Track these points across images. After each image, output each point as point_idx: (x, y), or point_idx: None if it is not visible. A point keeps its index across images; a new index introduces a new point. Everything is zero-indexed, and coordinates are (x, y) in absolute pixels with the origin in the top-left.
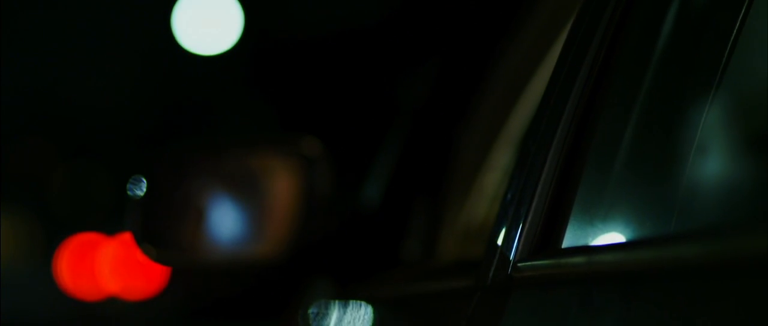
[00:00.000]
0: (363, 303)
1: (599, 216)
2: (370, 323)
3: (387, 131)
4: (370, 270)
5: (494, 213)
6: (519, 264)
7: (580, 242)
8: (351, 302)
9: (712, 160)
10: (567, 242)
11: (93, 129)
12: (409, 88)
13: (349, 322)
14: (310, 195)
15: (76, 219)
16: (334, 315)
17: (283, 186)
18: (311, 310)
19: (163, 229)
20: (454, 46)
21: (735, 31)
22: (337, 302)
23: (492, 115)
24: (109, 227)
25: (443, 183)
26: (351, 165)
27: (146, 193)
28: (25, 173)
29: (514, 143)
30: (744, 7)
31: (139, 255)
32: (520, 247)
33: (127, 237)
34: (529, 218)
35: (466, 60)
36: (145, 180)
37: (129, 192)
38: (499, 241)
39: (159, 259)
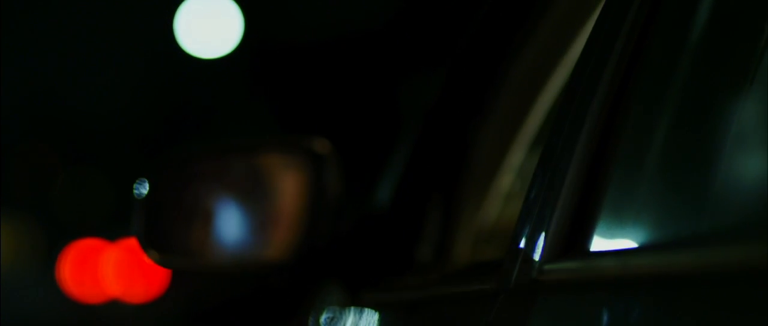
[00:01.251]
0: (376, 308)
1: (630, 217)
2: None
3: (388, 134)
4: (382, 273)
5: (510, 213)
6: (545, 267)
7: (610, 244)
8: (364, 308)
9: (747, 160)
10: (596, 244)
11: (95, 134)
12: (417, 88)
13: None
14: (321, 196)
15: (78, 225)
16: (349, 321)
17: (292, 187)
18: (324, 317)
19: (169, 233)
20: (468, 42)
21: None
22: (350, 308)
23: (507, 114)
24: (112, 233)
25: (457, 183)
26: (354, 169)
27: (151, 196)
28: (27, 178)
29: (531, 142)
30: None
31: (143, 259)
32: (545, 249)
33: (129, 242)
34: (555, 218)
35: (481, 56)
36: (150, 183)
37: (134, 194)
38: (522, 243)
39: (164, 263)
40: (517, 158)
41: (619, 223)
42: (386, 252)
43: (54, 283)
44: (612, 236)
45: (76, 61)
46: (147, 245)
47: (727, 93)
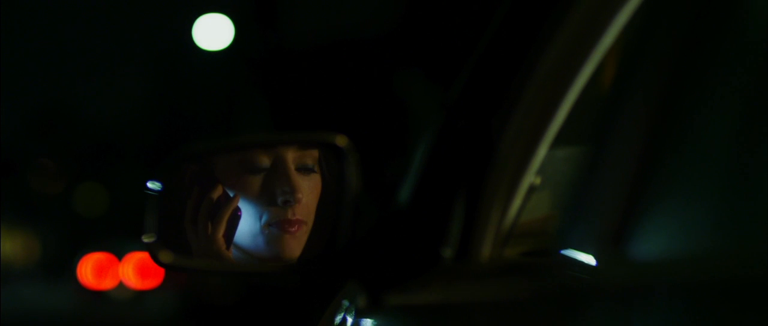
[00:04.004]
0: (400, 311)
1: (683, 219)
2: None
3: (388, 133)
4: (405, 274)
5: (537, 211)
6: (591, 271)
7: (661, 248)
8: (388, 310)
9: None
10: (646, 248)
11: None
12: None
13: None
14: (341, 193)
15: (90, 239)
16: None
17: (311, 184)
18: (349, 321)
19: (183, 233)
20: (493, 32)
21: None
22: (373, 311)
23: (534, 106)
24: (121, 248)
25: (481, 179)
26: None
27: (165, 195)
28: (37, 193)
29: (559, 136)
30: None
31: (155, 263)
32: (591, 252)
33: (138, 257)
34: (603, 220)
35: (507, 47)
36: (163, 181)
37: (147, 193)
38: (565, 245)
39: (178, 265)
40: (544, 153)
41: (671, 226)
42: (407, 252)
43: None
44: (663, 240)
45: (93, 82)
46: (160, 247)
47: None
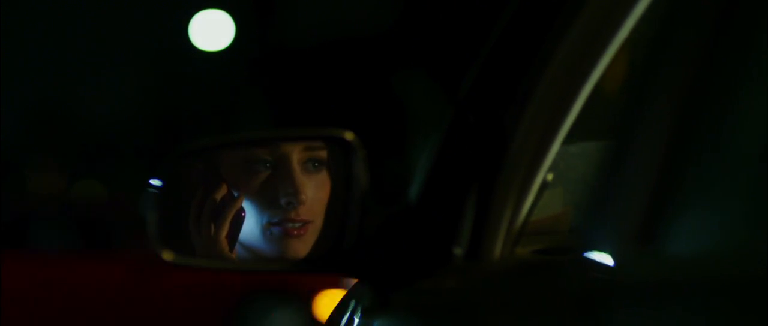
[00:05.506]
0: (411, 312)
1: (712, 216)
2: None
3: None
4: (414, 273)
5: (551, 208)
6: (617, 270)
7: (695, 246)
8: (396, 311)
9: None
10: (673, 246)
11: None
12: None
13: None
14: (349, 189)
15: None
16: None
17: (317, 179)
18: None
19: (186, 230)
20: (506, 24)
21: None
22: (381, 311)
23: (548, 100)
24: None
25: (493, 175)
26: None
27: (167, 191)
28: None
29: (574, 130)
30: None
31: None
32: (616, 251)
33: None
34: (627, 218)
35: (520, 39)
36: (165, 177)
37: (148, 189)
38: (587, 244)
39: (181, 263)
40: (557, 148)
41: (702, 223)
42: (416, 250)
43: None
44: (692, 238)
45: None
46: (162, 244)
47: None
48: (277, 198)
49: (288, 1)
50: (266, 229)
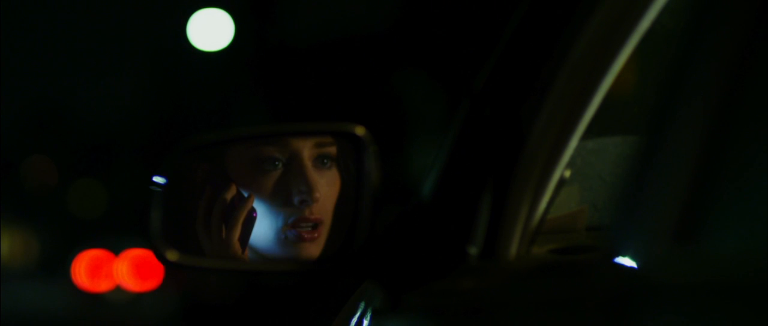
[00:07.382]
0: (425, 314)
1: (744, 216)
2: None
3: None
4: (426, 274)
5: (568, 206)
6: (645, 271)
7: (734, 245)
8: (408, 313)
9: None
10: (716, 245)
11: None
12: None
13: None
14: (361, 187)
15: (86, 236)
16: None
17: (328, 176)
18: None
19: (191, 230)
20: (523, 17)
21: None
22: (392, 313)
23: (566, 95)
24: (118, 245)
25: (509, 173)
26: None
27: (170, 189)
28: (35, 189)
29: (591, 127)
30: None
31: (159, 261)
32: (648, 250)
33: (133, 253)
34: (662, 216)
35: (537, 32)
36: (168, 175)
37: (151, 188)
38: (615, 244)
39: (184, 264)
40: (575, 144)
41: (740, 222)
42: (429, 250)
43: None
44: (731, 237)
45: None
46: (165, 244)
47: None
48: (290, 197)
49: (287, 1)
50: (281, 233)
